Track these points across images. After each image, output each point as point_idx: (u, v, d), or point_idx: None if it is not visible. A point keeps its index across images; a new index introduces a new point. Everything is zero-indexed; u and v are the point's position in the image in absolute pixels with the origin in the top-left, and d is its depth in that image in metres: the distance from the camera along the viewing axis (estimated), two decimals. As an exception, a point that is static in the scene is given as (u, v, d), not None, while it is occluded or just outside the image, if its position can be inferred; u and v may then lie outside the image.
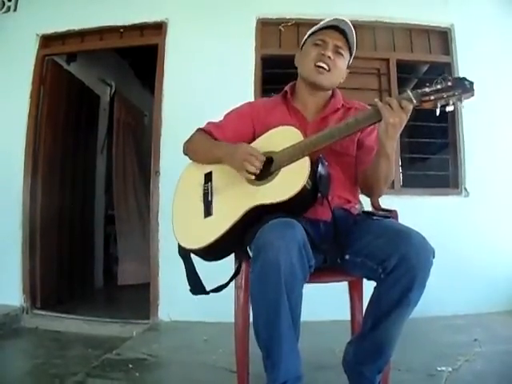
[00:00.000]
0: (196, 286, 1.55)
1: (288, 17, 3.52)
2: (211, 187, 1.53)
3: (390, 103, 1.30)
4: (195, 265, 1.56)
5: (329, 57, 1.56)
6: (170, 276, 3.08)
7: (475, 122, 3.48)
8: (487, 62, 3.48)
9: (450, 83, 1.29)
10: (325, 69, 1.56)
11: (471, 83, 1.28)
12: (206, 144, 1.62)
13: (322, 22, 1.61)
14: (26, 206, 3.52)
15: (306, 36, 1.67)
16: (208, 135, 1.64)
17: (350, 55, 1.64)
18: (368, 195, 1.67)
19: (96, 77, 4.84)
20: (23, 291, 3.45)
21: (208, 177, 1.57)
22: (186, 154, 1.68)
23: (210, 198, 1.51)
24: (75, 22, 3.63)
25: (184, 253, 1.54)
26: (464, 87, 1.27)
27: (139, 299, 3.55)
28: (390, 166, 1.43)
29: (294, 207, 1.34)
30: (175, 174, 1.68)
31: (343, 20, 1.57)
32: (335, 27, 1.58)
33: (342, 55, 1.59)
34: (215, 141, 1.62)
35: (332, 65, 1.57)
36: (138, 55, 4.40)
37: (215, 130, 1.65)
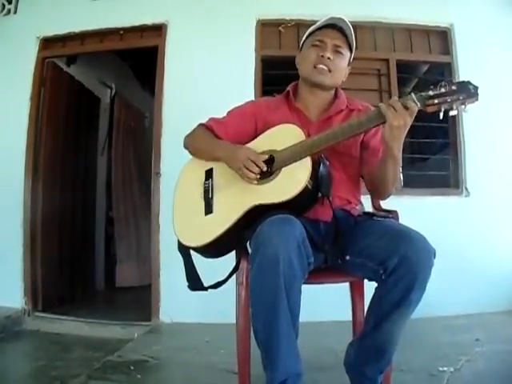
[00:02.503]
0: (194, 281, 1.55)
1: (288, 18, 3.53)
2: (212, 184, 1.53)
3: (394, 106, 1.28)
4: (194, 261, 1.56)
5: (328, 58, 1.55)
6: (171, 277, 3.08)
7: (475, 123, 3.47)
8: (487, 61, 3.47)
9: (454, 87, 1.26)
10: (324, 69, 1.56)
11: (476, 88, 1.25)
12: (208, 142, 1.61)
13: (319, 22, 1.61)
14: (26, 208, 3.52)
15: (305, 37, 1.67)
16: (209, 131, 1.64)
17: (351, 52, 1.63)
18: (376, 196, 1.66)
19: (96, 79, 4.84)
20: (24, 293, 3.45)
21: (209, 173, 1.56)
22: (185, 147, 1.68)
23: (210, 195, 1.51)
24: (75, 25, 3.64)
25: (183, 248, 1.54)
26: (468, 92, 1.25)
27: (140, 301, 3.56)
28: (397, 167, 1.43)
29: (294, 207, 1.35)
30: (176, 175, 1.68)
31: (340, 18, 1.57)
32: (333, 25, 1.58)
33: (342, 54, 1.59)
34: (217, 139, 1.61)
35: (332, 65, 1.57)
36: (138, 57, 4.40)
37: (217, 126, 1.64)
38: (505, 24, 3.65)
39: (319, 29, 1.61)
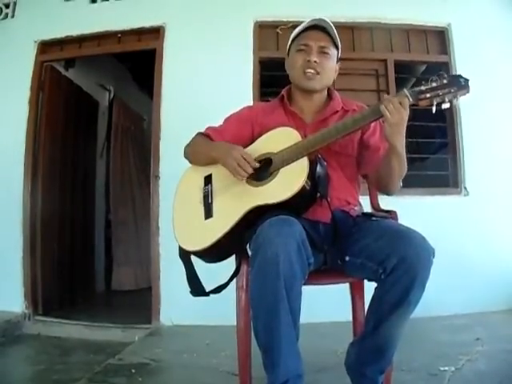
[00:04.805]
0: (196, 287, 1.55)
1: (285, 19, 3.52)
2: (211, 189, 1.54)
3: (391, 102, 1.32)
4: (195, 267, 1.56)
5: (315, 61, 1.56)
6: (171, 280, 3.07)
7: (474, 122, 3.48)
8: (485, 61, 3.48)
9: (445, 81, 1.31)
10: (313, 73, 1.57)
11: (466, 80, 1.30)
12: (204, 146, 1.63)
13: (300, 26, 1.63)
14: (26, 211, 3.52)
15: (290, 41, 1.68)
16: (207, 138, 1.65)
17: (337, 49, 1.64)
18: (385, 193, 1.65)
19: (94, 82, 4.85)
20: (25, 297, 3.45)
21: (207, 179, 1.57)
22: (186, 157, 1.70)
23: (210, 200, 1.52)
24: (73, 28, 3.64)
25: (184, 255, 1.55)
26: (459, 84, 1.30)
27: (141, 303, 3.56)
28: (403, 161, 1.44)
29: (293, 207, 1.35)
30: (175, 177, 1.69)
31: (321, 18, 1.58)
32: (315, 27, 1.59)
33: (328, 54, 1.59)
34: (213, 142, 1.62)
35: (320, 68, 1.57)
36: (136, 60, 4.40)
37: (214, 133, 1.66)
38: (502, 24, 3.66)
39: (302, 32, 1.62)
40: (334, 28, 1.59)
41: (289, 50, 1.69)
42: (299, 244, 1.23)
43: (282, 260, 1.18)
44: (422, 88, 1.32)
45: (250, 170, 1.42)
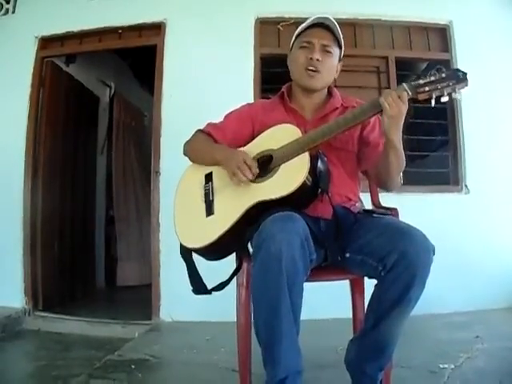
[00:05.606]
0: (198, 285, 1.55)
1: (287, 16, 3.53)
2: (212, 187, 1.54)
3: (390, 96, 1.33)
4: (197, 265, 1.56)
5: (317, 59, 1.56)
6: (172, 276, 3.08)
7: (475, 119, 3.48)
8: (486, 58, 3.48)
9: (443, 74, 1.33)
10: (315, 72, 1.57)
11: (465, 73, 1.31)
12: (206, 146, 1.62)
13: (305, 23, 1.62)
14: (26, 208, 3.52)
15: (293, 38, 1.67)
16: (208, 136, 1.65)
17: (340, 48, 1.63)
18: (385, 189, 1.65)
19: (95, 78, 4.85)
20: (25, 293, 3.46)
21: (209, 177, 1.57)
22: (185, 154, 1.69)
23: (211, 198, 1.52)
24: (74, 24, 3.63)
25: (186, 253, 1.54)
26: (458, 78, 1.31)
27: (141, 300, 3.56)
28: (400, 157, 1.45)
29: (294, 203, 1.35)
30: (175, 173, 1.69)
31: (326, 17, 1.58)
32: (319, 25, 1.58)
33: (331, 52, 1.59)
34: (214, 143, 1.62)
35: (321, 66, 1.57)
36: (137, 56, 4.41)
37: (215, 131, 1.65)
38: (503, 21, 3.65)
39: (306, 29, 1.61)
40: (338, 27, 1.59)
41: (292, 46, 1.68)
42: (302, 240, 1.23)
43: (285, 256, 1.18)
44: (421, 82, 1.34)
45: (250, 176, 1.40)
